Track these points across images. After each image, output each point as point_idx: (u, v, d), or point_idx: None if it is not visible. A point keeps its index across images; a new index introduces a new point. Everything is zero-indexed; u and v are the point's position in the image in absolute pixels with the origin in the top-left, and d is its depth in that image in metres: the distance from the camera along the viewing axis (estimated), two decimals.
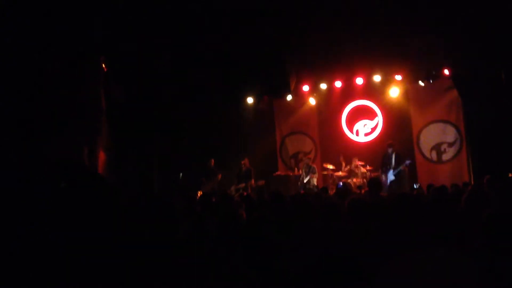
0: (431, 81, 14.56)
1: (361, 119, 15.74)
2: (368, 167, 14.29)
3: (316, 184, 14.23)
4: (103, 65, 9.85)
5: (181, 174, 14.20)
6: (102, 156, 11.00)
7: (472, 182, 11.71)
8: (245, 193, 11.89)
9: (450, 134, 14.51)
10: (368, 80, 15.04)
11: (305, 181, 14.20)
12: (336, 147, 15.63)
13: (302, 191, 13.22)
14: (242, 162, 14.44)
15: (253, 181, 14.18)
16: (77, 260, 1.48)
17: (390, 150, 13.72)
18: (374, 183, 7.21)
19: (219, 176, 14.25)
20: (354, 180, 13.98)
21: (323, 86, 15.53)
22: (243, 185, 14.06)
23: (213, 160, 14.34)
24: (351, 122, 15.85)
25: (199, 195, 11.47)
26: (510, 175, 10.43)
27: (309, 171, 14.33)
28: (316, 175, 14.44)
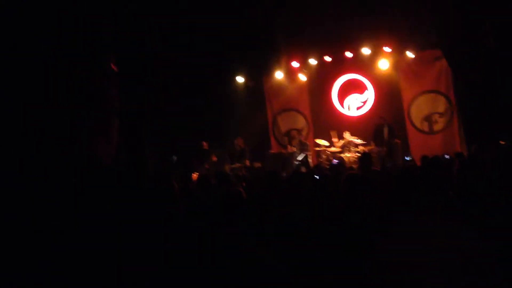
0: (420, 52, 14.53)
1: (352, 93, 15.74)
2: (360, 141, 14.31)
3: (310, 160, 14.27)
4: (113, 66, 9.93)
5: (174, 157, 14.17)
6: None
7: (465, 152, 11.77)
8: (240, 174, 11.91)
9: (440, 104, 14.54)
10: (357, 54, 14.99)
11: (299, 158, 14.23)
12: (328, 122, 15.63)
13: (296, 169, 13.28)
14: (235, 142, 14.41)
15: (247, 161, 14.17)
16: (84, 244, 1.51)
17: (382, 123, 13.78)
18: (365, 158, 7.26)
19: (213, 158, 14.18)
20: (348, 155, 14.02)
21: (313, 61, 15.48)
22: (238, 165, 14.04)
23: (204, 143, 14.26)
24: (342, 96, 15.84)
25: (194, 177, 11.46)
26: (501, 142, 10.50)
27: (303, 148, 14.35)
28: (310, 151, 14.47)
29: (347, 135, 14.45)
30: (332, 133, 14.76)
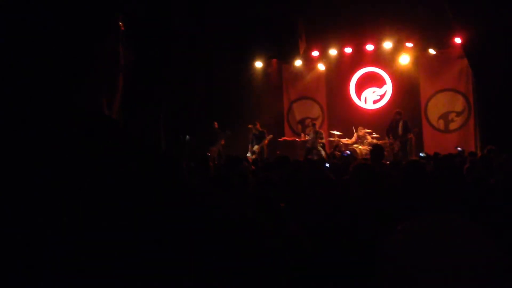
0: (441, 49, 14.41)
1: (370, 86, 15.67)
2: (374, 135, 14.27)
3: (322, 149, 14.24)
4: (121, 24, 9.83)
5: (187, 137, 14.23)
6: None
7: (479, 152, 11.70)
8: (251, 158, 11.95)
9: (458, 103, 14.45)
10: (378, 47, 14.92)
11: (312, 146, 14.21)
12: (343, 113, 15.61)
13: (308, 156, 13.26)
14: (250, 125, 14.42)
15: (266, 141, 14.24)
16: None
17: (397, 119, 13.70)
18: (377, 150, 7.23)
19: (222, 141, 14.20)
20: (361, 147, 13.98)
21: (333, 52, 15.42)
22: (257, 147, 14.12)
23: (216, 123, 14.30)
24: (359, 89, 15.77)
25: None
26: None
27: (316, 136, 14.33)
28: (323, 140, 14.44)
29: (360, 129, 14.38)
30: (359, 128, 14.47)
